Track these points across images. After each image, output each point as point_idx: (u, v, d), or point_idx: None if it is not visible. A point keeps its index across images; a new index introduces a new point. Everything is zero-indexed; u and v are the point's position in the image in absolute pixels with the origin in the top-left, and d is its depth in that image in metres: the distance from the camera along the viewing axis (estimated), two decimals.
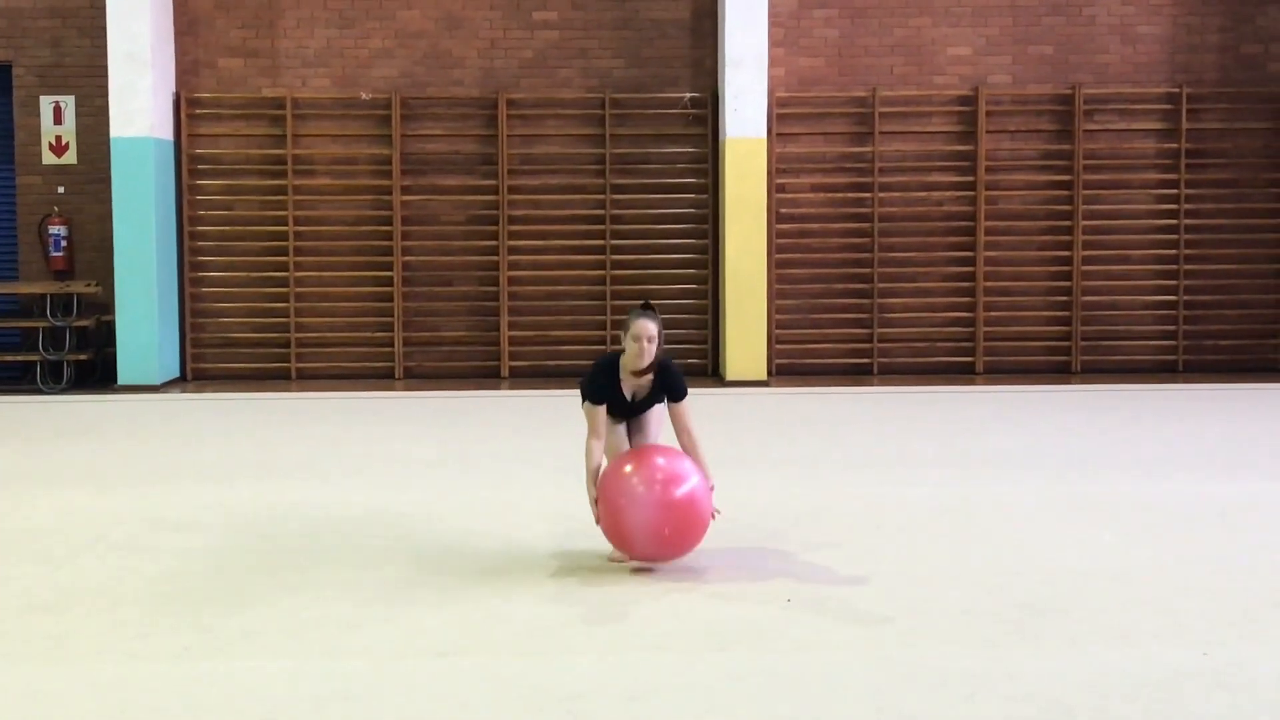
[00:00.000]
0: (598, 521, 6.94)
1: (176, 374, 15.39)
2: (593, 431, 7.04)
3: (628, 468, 6.88)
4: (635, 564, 7.09)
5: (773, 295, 15.32)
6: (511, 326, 15.50)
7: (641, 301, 7.26)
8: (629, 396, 7.09)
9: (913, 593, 6.52)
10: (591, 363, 7.36)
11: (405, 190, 15.43)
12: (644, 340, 6.89)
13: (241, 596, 6.53)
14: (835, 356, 15.65)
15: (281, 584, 6.76)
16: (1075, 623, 6.03)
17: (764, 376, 14.91)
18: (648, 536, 6.79)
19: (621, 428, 7.21)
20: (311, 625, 6.06)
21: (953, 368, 15.58)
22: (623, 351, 7.00)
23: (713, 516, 6.96)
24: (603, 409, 7.05)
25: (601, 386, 7.04)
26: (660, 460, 6.89)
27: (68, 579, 6.90)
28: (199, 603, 6.43)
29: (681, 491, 6.79)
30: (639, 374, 7.01)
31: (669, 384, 7.08)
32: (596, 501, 6.91)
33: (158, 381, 14.78)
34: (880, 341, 15.57)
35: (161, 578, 6.90)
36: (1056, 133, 15.57)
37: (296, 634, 5.94)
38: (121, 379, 14.75)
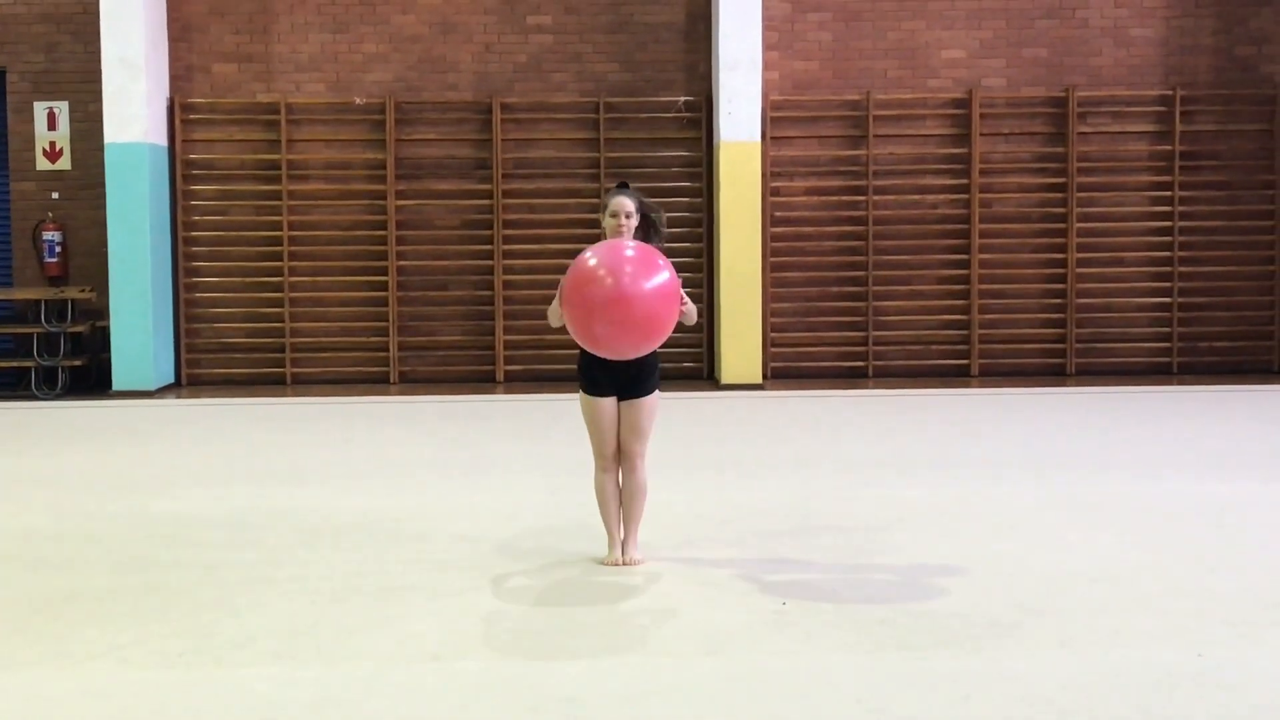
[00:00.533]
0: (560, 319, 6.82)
1: (171, 380, 15.38)
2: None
3: (592, 260, 6.71)
4: (627, 566, 7.10)
5: (768, 298, 15.33)
6: (506, 331, 15.50)
7: (617, 182, 7.24)
8: None
9: (908, 595, 6.53)
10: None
11: (400, 195, 15.44)
12: (621, 216, 7.00)
13: (237, 601, 6.53)
14: (830, 359, 15.66)
15: (277, 589, 6.76)
16: (1070, 624, 6.03)
17: (759, 379, 14.92)
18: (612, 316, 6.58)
19: (614, 423, 7.12)
20: (307, 629, 6.05)
21: (948, 370, 15.60)
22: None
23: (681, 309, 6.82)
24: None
25: None
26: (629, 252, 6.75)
27: (63, 584, 6.89)
28: (194, 608, 6.43)
29: (653, 282, 6.62)
30: None
31: (650, 231, 7.14)
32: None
33: (152, 387, 14.78)
34: (875, 344, 15.58)
35: (157, 583, 6.89)
36: (1050, 135, 15.59)
37: (292, 638, 5.93)
38: (116, 385, 14.75)
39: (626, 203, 7.03)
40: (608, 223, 7.07)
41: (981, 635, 5.90)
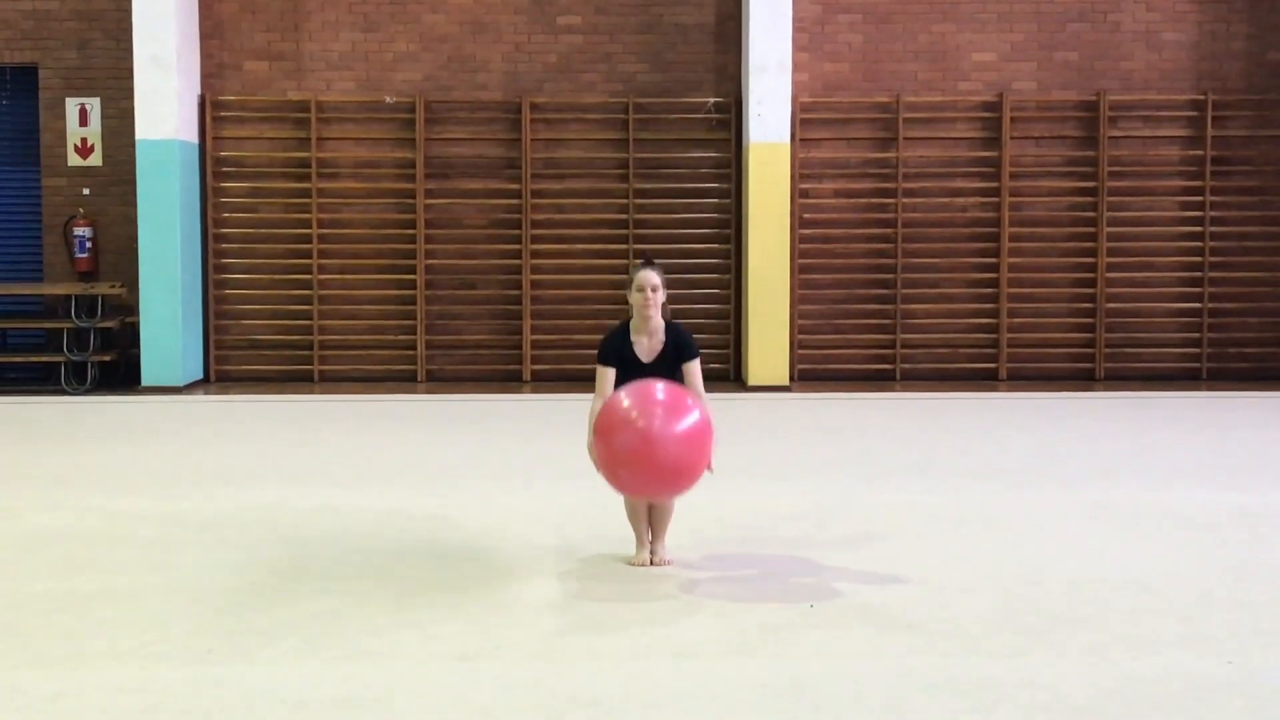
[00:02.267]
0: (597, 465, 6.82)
1: (200, 376, 15.43)
2: (599, 395, 7.07)
3: (625, 400, 6.71)
4: (655, 568, 7.10)
5: (795, 300, 15.31)
6: (534, 330, 15.51)
7: (642, 259, 7.35)
8: (643, 358, 7.10)
9: (935, 600, 6.51)
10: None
11: (429, 194, 15.46)
12: (647, 290, 7.07)
13: (263, 599, 6.54)
14: (858, 362, 15.63)
15: (303, 587, 6.77)
16: (1098, 631, 6.01)
17: (786, 382, 14.90)
18: (639, 464, 6.58)
19: None
20: (333, 629, 6.07)
21: (976, 374, 15.55)
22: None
23: (709, 469, 6.80)
24: (611, 373, 7.08)
25: (614, 347, 7.14)
26: (660, 394, 6.71)
27: (90, 581, 6.92)
28: (221, 606, 6.45)
29: (682, 426, 6.56)
30: (650, 332, 7.10)
31: (679, 341, 7.17)
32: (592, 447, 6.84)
33: (181, 383, 14.83)
34: (903, 348, 15.55)
35: (183, 580, 6.91)
36: (1081, 139, 15.53)
37: (318, 637, 5.95)
38: (145, 380, 14.80)
39: (652, 277, 7.12)
40: (634, 297, 7.13)
41: (1009, 642, 5.88)
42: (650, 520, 7.22)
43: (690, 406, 6.67)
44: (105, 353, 15.07)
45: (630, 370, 7.08)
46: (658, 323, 7.16)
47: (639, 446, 6.55)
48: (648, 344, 7.16)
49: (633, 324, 7.18)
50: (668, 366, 7.12)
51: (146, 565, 7.23)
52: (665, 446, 6.52)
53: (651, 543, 7.23)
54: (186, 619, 6.23)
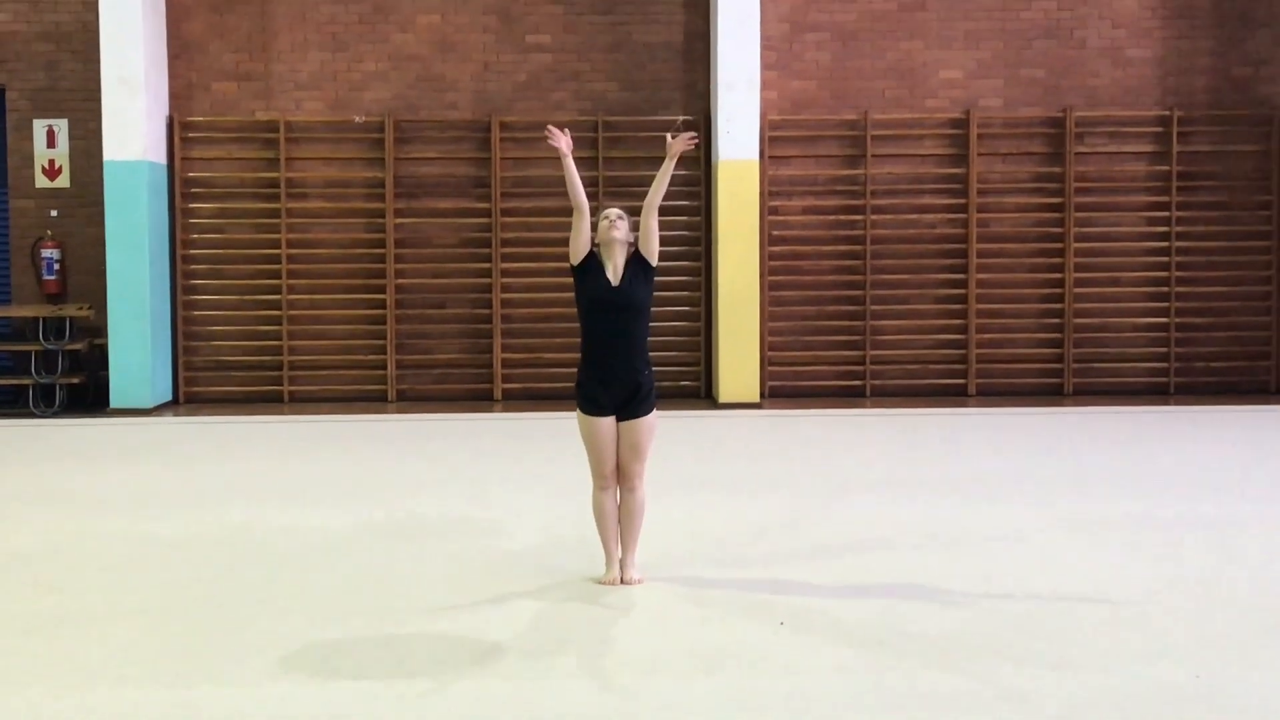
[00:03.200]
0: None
1: (169, 397, 15.38)
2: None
3: None
4: (625, 585, 7.11)
5: (765, 317, 15.35)
6: (504, 349, 15.50)
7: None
8: (612, 280, 7.19)
9: (905, 614, 6.53)
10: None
11: (398, 213, 15.45)
12: (613, 217, 7.28)
13: (233, 620, 6.53)
14: (828, 378, 15.67)
15: (273, 607, 6.76)
16: (1067, 645, 6.04)
17: (757, 398, 14.92)
18: None
19: (612, 442, 7.18)
20: (303, 648, 6.05)
21: (945, 389, 15.60)
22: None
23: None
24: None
25: (589, 263, 7.25)
26: None
27: (60, 603, 6.89)
28: (191, 627, 6.43)
29: None
30: (615, 257, 7.23)
31: (638, 257, 7.28)
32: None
33: (150, 405, 14.77)
34: (873, 363, 15.59)
35: (154, 602, 6.89)
36: (1048, 155, 15.62)
37: (289, 657, 5.93)
38: (114, 402, 14.74)
39: (616, 210, 7.36)
40: (600, 225, 7.27)
41: (979, 655, 5.90)
42: (620, 535, 7.23)
43: None
44: (73, 375, 15.02)
45: (601, 289, 7.18)
46: (622, 247, 7.25)
47: None
48: (614, 268, 7.22)
49: (602, 250, 7.28)
50: (638, 277, 7.22)
51: (116, 587, 7.20)
52: None
53: (622, 560, 7.25)
54: (156, 640, 6.21)
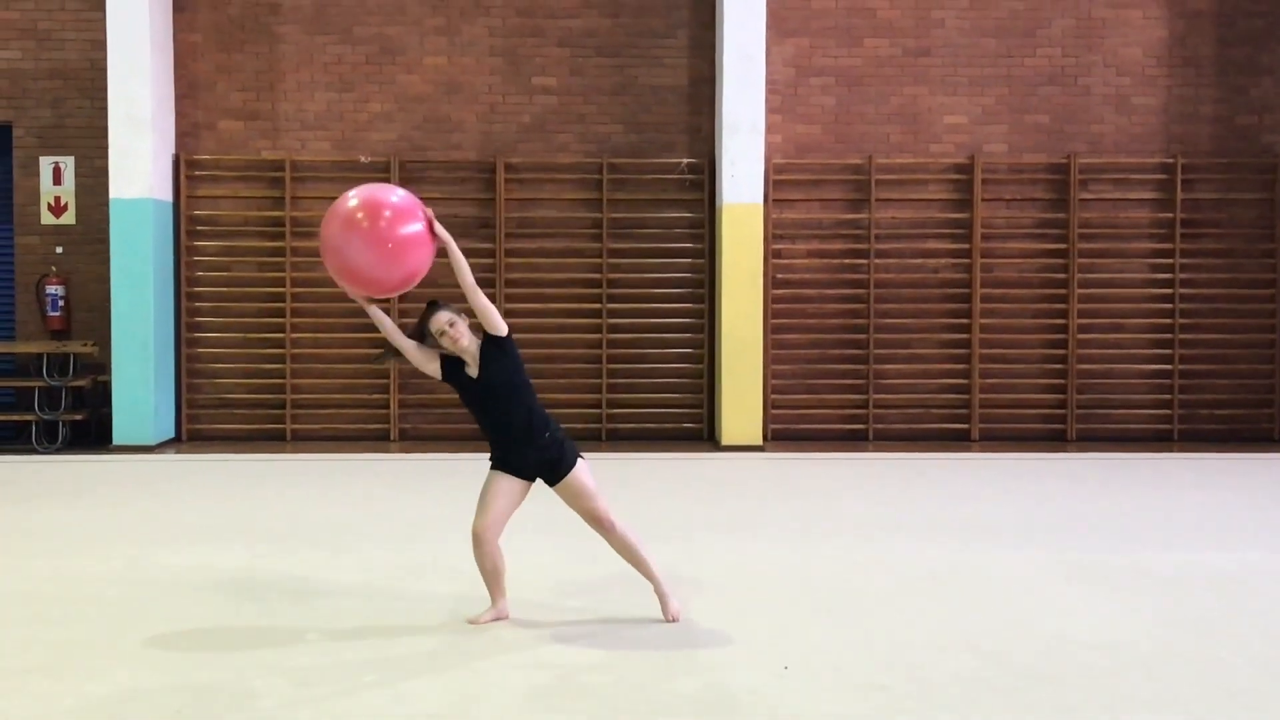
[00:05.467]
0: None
1: (172, 434, 15.37)
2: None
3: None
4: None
5: (769, 360, 15.35)
6: None
7: (428, 304, 7.40)
8: (472, 371, 7.21)
9: (908, 660, 6.51)
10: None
11: None
12: (446, 328, 7.18)
13: (234, 660, 6.51)
14: (831, 422, 15.65)
15: (274, 648, 6.74)
16: (1069, 691, 6.01)
17: (759, 441, 14.90)
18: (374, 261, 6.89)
19: (509, 499, 7.25)
20: (303, 689, 6.03)
21: (948, 434, 15.59)
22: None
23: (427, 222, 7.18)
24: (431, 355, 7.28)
25: (449, 366, 7.25)
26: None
27: (62, 640, 6.87)
28: (191, 666, 6.41)
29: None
30: (468, 352, 7.21)
31: (490, 337, 7.25)
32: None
33: (153, 442, 14.77)
34: (876, 408, 15.59)
35: (155, 640, 6.87)
36: (1052, 201, 15.65)
37: (289, 698, 5.91)
38: (117, 439, 14.74)
39: (442, 316, 7.23)
40: (443, 341, 7.22)
41: (981, 702, 5.88)
42: (641, 573, 7.32)
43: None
44: (77, 411, 15.01)
45: (466, 383, 7.22)
46: (470, 342, 7.22)
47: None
48: (471, 358, 7.22)
49: (451, 351, 7.24)
50: (494, 360, 7.20)
51: (116, 624, 7.18)
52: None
53: (657, 589, 7.29)
54: (157, 678, 6.18)
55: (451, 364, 7.25)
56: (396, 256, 6.92)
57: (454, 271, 7.23)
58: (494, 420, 7.21)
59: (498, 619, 7.26)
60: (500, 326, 7.20)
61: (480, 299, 7.18)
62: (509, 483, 7.21)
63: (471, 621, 7.21)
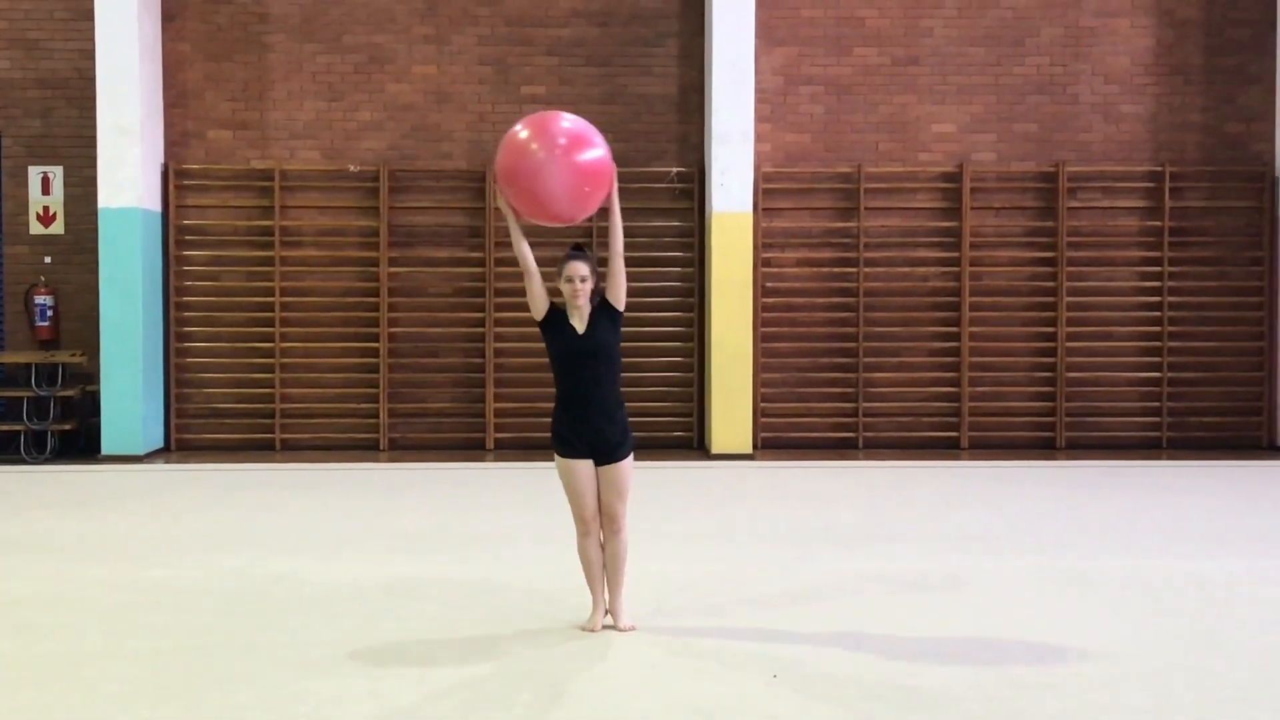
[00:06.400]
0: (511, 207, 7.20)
1: (161, 444, 15.35)
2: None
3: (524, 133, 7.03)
4: (616, 633, 7.10)
5: (758, 369, 15.35)
6: (497, 399, 15.49)
7: (575, 247, 7.40)
8: (579, 327, 7.22)
9: (898, 669, 6.50)
10: None
11: (392, 262, 15.47)
12: (576, 281, 7.18)
13: (224, 671, 6.49)
14: (820, 430, 15.66)
15: (265, 658, 6.72)
16: (1062, 699, 6.01)
17: (749, 450, 14.90)
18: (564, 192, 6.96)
19: (592, 484, 7.22)
20: (293, 700, 6.02)
21: (937, 442, 15.60)
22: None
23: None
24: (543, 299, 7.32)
25: (554, 317, 7.27)
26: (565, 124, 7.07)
27: (50, 652, 6.85)
28: (182, 676, 6.39)
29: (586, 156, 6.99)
30: (580, 311, 7.25)
31: (602, 301, 7.31)
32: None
33: (142, 452, 14.74)
34: (865, 416, 15.60)
35: (145, 651, 6.85)
36: (1040, 210, 15.67)
37: (279, 709, 5.90)
38: (105, 449, 14.71)
39: (581, 267, 7.24)
40: (564, 287, 7.24)
41: (973, 710, 5.88)
42: (607, 579, 7.29)
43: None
44: (65, 421, 14.98)
45: (568, 339, 7.22)
46: (586, 302, 7.26)
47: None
48: (580, 317, 7.26)
49: (566, 306, 7.28)
50: (603, 326, 7.25)
51: (105, 635, 7.16)
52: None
53: (610, 604, 7.28)
54: (146, 690, 6.17)
55: (558, 315, 7.26)
56: (580, 200, 7.07)
57: (609, 233, 7.32)
58: (580, 382, 7.18)
59: (608, 617, 7.31)
60: (624, 299, 7.29)
61: (622, 265, 7.27)
62: (584, 466, 7.18)
63: (588, 629, 7.23)
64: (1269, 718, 5.82)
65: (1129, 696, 6.07)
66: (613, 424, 7.18)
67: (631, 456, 7.28)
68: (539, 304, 7.26)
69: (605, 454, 7.19)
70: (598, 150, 7.02)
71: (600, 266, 7.34)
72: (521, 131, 7.02)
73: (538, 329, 7.32)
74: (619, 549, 7.27)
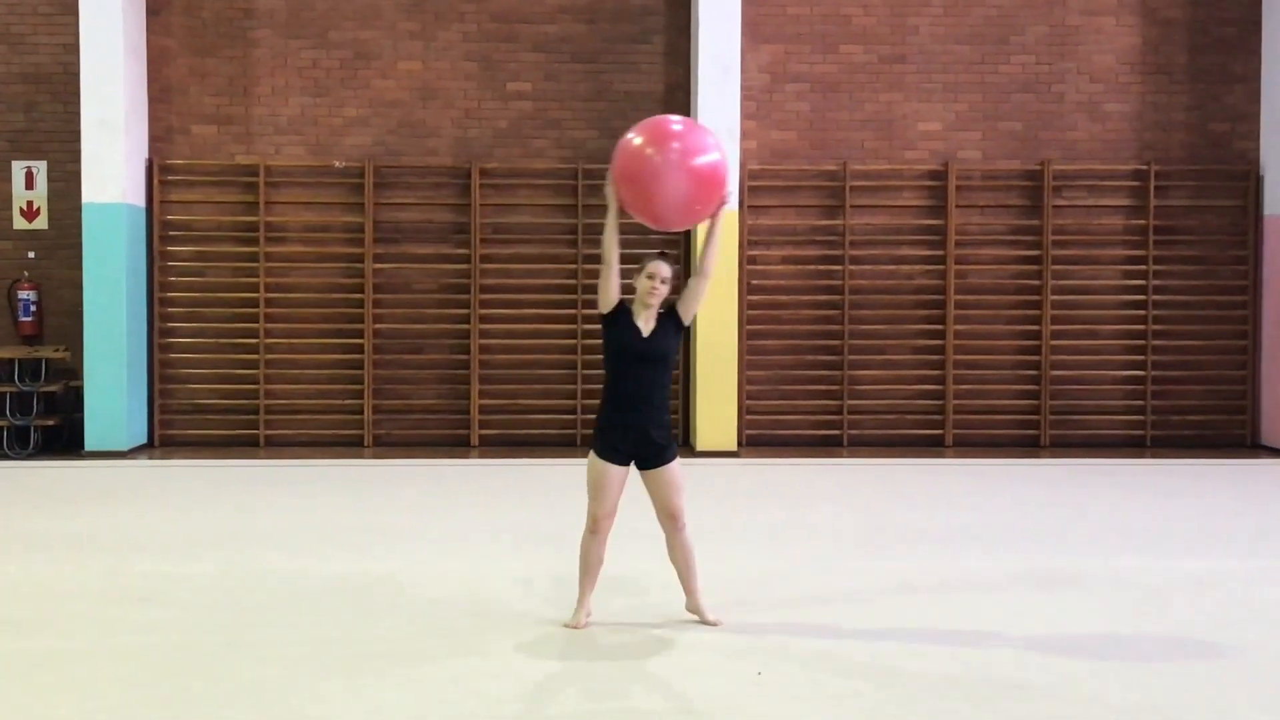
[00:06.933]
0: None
1: (144, 440, 15.31)
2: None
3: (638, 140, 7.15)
4: (592, 625, 7.11)
5: (743, 366, 15.35)
6: (482, 395, 15.48)
7: (659, 251, 7.48)
8: (643, 329, 7.23)
9: (882, 667, 6.51)
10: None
11: (377, 258, 15.44)
12: (657, 280, 7.23)
13: (208, 668, 6.48)
14: (805, 428, 15.67)
15: (250, 654, 6.71)
16: (1045, 698, 6.02)
17: (734, 447, 14.91)
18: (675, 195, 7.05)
19: (619, 489, 7.25)
20: (278, 698, 6.01)
21: (922, 440, 15.61)
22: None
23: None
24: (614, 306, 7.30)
25: (622, 311, 7.27)
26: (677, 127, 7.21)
27: (33, 648, 6.83)
28: (166, 674, 6.37)
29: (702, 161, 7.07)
30: (647, 313, 7.27)
31: (669, 308, 7.37)
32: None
33: (125, 447, 14.70)
34: (850, 413, 15.60)
35: (128, 648, 6.83)
36: (1026, 208, 15.69)
37: (263, 706, 5.88)
38: (89, 445, 14.66)
39: (663, 268, 7.29)
40: (642, 283, 7.26)
41: (955, 708, 5.88)
42: (684, 579, 7.39)
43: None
44: (48, 417, 14.93)
45: (630, 340, 7.22)
46: (657, 306, 7.30)
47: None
48: (646, 318, 7.28)
49: (635, 303, 7.28)
50: (667, 332, 7.29)
51: (88, 632, 7.14)
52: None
53: (691, 601, 7.39)
54: (128, 686, 6.15)
55: (624, 312, 7.27)
56: (688, 213, 7.22)
57: (706, 254, 7.39)
58: (633, 383, 7.19)
59: (588, 616, 7.31)
60: (692, 317, 7.40)
61: (707, 288, 7.40)
62: (616, 471, 7.20)
63: (571, 626, 7.24)
64: (1253, 716, 5.84)
65: (1109, 695, 6.08)
66: (660, 428, 7.21)
67: (678, 458, 7.31)
68: (611, 296, 7.25)
69: (652, 458, 7.22)
70: (719, 173, 7.13)
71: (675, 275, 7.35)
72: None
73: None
74: (686, 544, 7.34)
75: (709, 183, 7.07)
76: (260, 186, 15.33)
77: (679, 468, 7.29)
